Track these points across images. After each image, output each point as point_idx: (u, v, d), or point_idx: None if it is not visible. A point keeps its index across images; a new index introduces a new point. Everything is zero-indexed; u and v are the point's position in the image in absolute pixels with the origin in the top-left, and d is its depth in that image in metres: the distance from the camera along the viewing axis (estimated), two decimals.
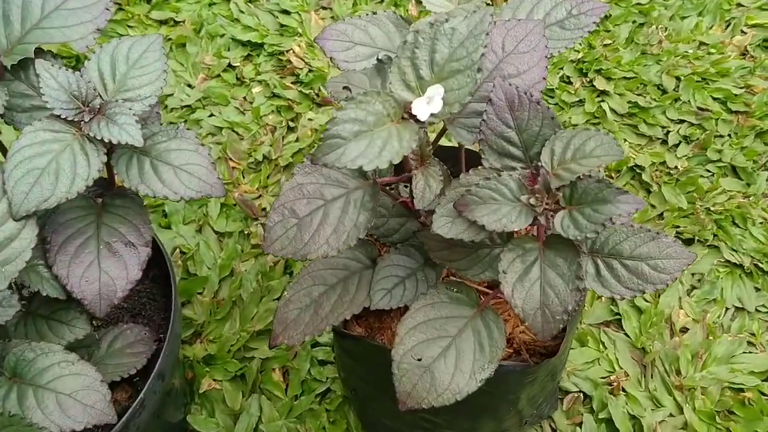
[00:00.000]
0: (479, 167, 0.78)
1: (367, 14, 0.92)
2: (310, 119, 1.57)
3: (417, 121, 0.71)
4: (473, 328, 0.87)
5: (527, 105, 0.77)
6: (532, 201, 0.74)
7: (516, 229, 0.74)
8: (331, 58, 0.90)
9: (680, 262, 0.84)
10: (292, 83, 1.63)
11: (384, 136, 0.70)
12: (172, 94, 1.61)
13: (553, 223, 0.74)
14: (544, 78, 0.80)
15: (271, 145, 1.54)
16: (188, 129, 0.87)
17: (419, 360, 0.86)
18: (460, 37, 0.71)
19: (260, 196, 1.47)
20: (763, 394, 1.19)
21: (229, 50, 1.69)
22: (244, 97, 1.62)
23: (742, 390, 1.19)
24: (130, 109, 0.82)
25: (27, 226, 0.79)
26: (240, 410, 1.20)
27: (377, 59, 0.81)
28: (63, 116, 0.81)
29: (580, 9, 0.88)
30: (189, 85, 1.64)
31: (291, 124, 1.57)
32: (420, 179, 0.80)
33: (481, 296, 0.89)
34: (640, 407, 1.19)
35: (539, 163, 0.76)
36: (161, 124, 0.88)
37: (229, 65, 1.66)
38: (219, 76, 1.65)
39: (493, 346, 0.86)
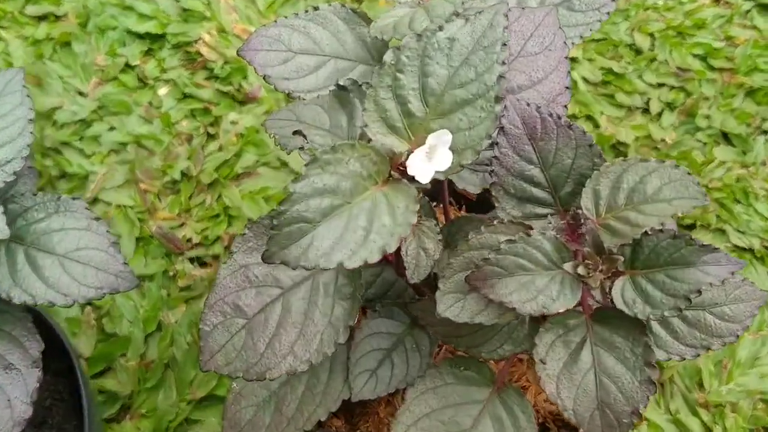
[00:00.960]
0: (494, 220, 0.56)
1: (306, 11, 0.68)
2: (233, 122, 1.31)
3: (411, 179, 0.49)
4: (492, 415, 0.66)
5: (554, 131, 0.55)
6: (581, 270, 0.52)
7: (560, 310, 0.53)
8: (264, 77, 0.65)
9: (751, 305, 0.64)
10: (205, 80, 1.36)
11: (368, 210, 0.47)
12: (60, 107, 1.32)
13: (612, 298, 0.53)
14: (567, 87, 0.57)
15: (189, 158, 1.28)
16: (75, 198, 0.62)
17: None
18: (463, 50, 0.48)
19: (183, 224, 1.21)
20: None
21: (124, 46, 1.40)
22: (150, 102, 1.34)
23: None
24: None
25: None
26: None
27: (337, 84, 0.57)
28: None
29: None
30: (80, 93, 1.35)
31: (210, 129, 1.31)
32: (411, 241, 0.57)
33: (494, 369, 0.68)
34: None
35: (578, 210, 0.54)
36: (35, 194, 0.62)
37: (127, 64, 1.38)
38: (116, 78, 1.37)
39: None
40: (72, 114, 1.32)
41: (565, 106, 0.58)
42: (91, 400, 0.80)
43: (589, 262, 0.52)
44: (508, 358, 0.64)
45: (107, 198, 1.24)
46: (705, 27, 1.40)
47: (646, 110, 1.32)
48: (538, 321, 0.59)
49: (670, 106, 1.32)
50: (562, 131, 0.55)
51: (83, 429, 0.76)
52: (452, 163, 0.47)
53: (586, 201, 0.54)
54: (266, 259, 0.45)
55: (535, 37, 0.58)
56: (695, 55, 1.37)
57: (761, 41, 1.38)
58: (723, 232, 1.19)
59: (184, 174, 1.26)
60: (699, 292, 0.50)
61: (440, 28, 0.48)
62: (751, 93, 1.33)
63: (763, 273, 1.16)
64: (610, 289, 0.52)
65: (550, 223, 0.54)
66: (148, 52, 1.40)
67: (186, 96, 1.35)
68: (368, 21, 0.68)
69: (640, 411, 0.54)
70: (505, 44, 0.47)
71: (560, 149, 0.55)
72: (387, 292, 0.76)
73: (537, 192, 0.57)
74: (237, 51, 0.66)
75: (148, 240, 1.20)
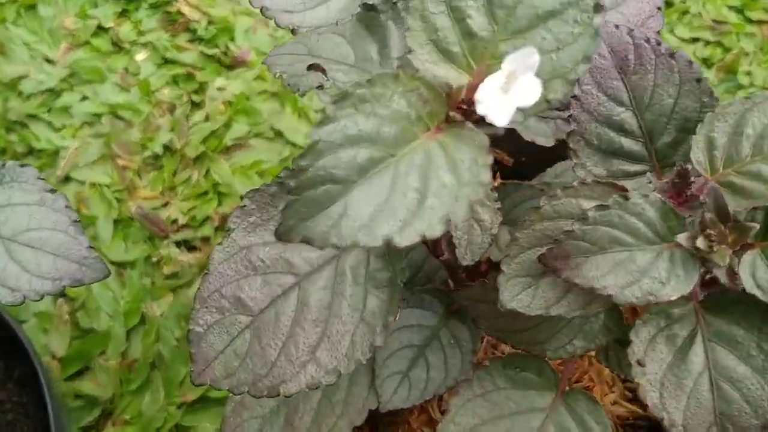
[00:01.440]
0: (575, 182, 0.43)
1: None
2: (220, 88, 1.17)
3: (478, 122, 0.35)
4: (558, 426, 0.53)
5: (651, 61, 0.42)
6: (701, 243, 0.39)
7: (673, 297, 0.40)
8: (261, 10, 0.52)
9: None
10: (188, 42, 1.22)
11: (420, 165, 0.34)
12: (26, 76, 1.18)
13: (739, 278, 0.40)
14: (659, 8, 0.44)
15: (172, 130, 1.14)
16: (23, 165, 0.48)
17: None
18: None
19: (167, 203, 1.08)
20: None
21: (96, 7, 1.25)
22: (126, 69, 1.20)
23: None
24: None
25: None
26: None
27: (364, 4, 0.43)
28: None
29: None
30: (48, 60, 1.20)
31: (195, 97, 1.17)
32: None
33: (558, 370, 0.55)
34: None
35: (686, 165, 0.41)
36: None
37: (100, 27, 1.23)
38: (88, 43, 1.22)
39: None
40: (39, 83, 1.17)
41: (658, 32, 0.44)
42: (60, 412, 0.67)
43: (712, 232, 0.39)
44: (580, 356, 0.51)
45: (80, 176, 1.10)
46: None
47: None
48: (624, 310, 0.46)
49: (707, 62, 1.19)
50: (663, 61, 0.42)
51: None
52: (539, 86, 0.34)
53: (697, 152, 0.41)
54: (282, 235, 0.32)
55: None
56: (731, 7, 1.24)
57: None
58: None
59: (166, 147, 1.13)
60: None
61: None
62: None
63: None
64: (737, 266, 0.39)
65: (650, 182, 0.41)
66: (123, 13, 1.26)
67: (167, 61, 1.20)
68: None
69: None
70: None
71: (659, 86, 0.42)
72: (415, 275, 0.63)
73: (627, 143, 0.43)
74: (264, 61, 0.52)
75: (127, 222, 1.07)
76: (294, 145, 1.13)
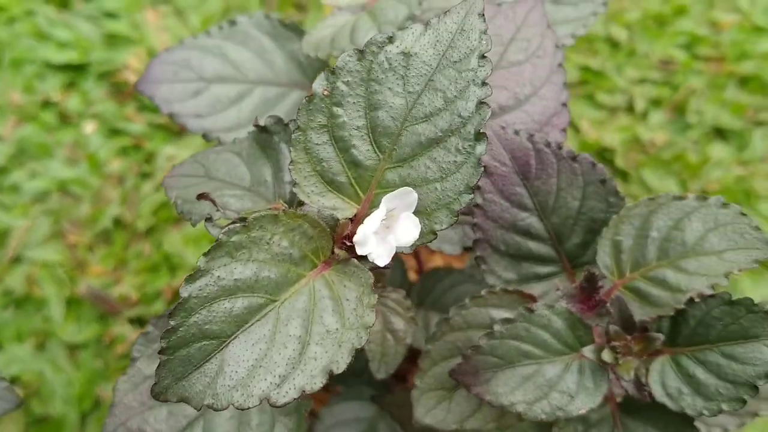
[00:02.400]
0: (483, 290, 0.42)
1: (220, 27, 0.53)
2: (169, 157, 1.16)
3: (363, 258, 0.34)
4: None
5: (553, 165, 0.41)
6: (606, 356, 0.38)
7: (583, 411, 0.39)
8: (170, 116, 0.51)
9: None
10: (136, 111, 1.21)
11: (303, 309, 0.33)
12: None
13: (647, 387, 0.39)
14: (564, 104, 0.44)
15: (122, 203, 1.12)
16: None
17: None
18: (425, 68, 0.34)
19: (119, 279, 1.06)
20: None
21: (43, 80, 1.24)
22: (75, 142, 1.18)
23: None
24: None
25: None
26: None
27: (256, 125, 0.42)
28: None
29: None
30: None
31: (145, 168, 1.15)
32: (374, 322, 0.43)
33: None
34: None
35: (592, 269, 0.40)
36: None
37: (47, 101, 1.22)
38: (35, 118, 1.21)
39: None
40: None
41: (564, 129, 0.44)
42: None
43: (617, 343, 0.38)
44: None
45: (31, 255, 1.08)
46: (685, 13, 1.28)
47: (630, 110, 1.20)
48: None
49: (656, 103, 1.20)
50: (565, 165, 0.41)
51: None
52: (421, 230, 0.33)
53: (602, 256, 0.40)
54: (157, 396, 0.31)
55: (518, 41, 0.44)
56: (678, 45, 1.25)
57: (747, 24, 1.26)
58: None
59: (117, 221, 1.11)
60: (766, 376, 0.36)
61: (390, 39, 0.34)
62: (743, 82, 1.20)
63: None
64: (646, 375, 0.38)
65: (558, 289, 0.40)
66: (71, 85, 1.24)
67: (115, 131, 1.19)
68: (302, 35, 0.54)
69: None
70: (484, 56, 0.33)
71: (563, 189, 0.41)
72: (351, 366, 0.61)
73: (535, 246, 0.42)
74: (134, 85, 0.52)
75: (79, 301, 1.05)
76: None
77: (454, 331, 0.42)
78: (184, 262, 1.07)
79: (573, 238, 0.42)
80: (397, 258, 0.58)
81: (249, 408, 0.30)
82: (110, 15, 1.30)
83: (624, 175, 1.13)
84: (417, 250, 0.63)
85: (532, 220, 0.42)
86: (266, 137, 0.41)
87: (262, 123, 0.40)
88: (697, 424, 0.52)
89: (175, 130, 1.19)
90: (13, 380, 0.99)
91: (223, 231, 0.32)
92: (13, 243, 1.09)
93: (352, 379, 0.60)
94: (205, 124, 0.51)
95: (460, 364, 0.39)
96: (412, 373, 0.55)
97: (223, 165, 0.42)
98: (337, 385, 0.61)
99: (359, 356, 0.64)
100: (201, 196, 0.37)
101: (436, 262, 0.77)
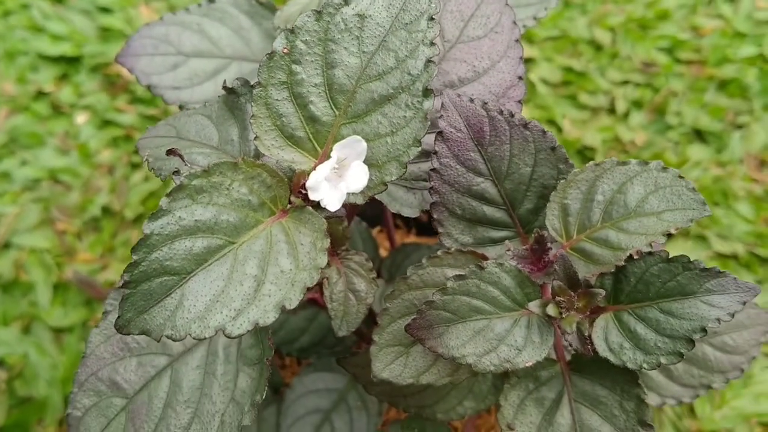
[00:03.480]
0: (439, 252, 0.44)
1: (199, 4, 0.55)
2: None
3: (318, 207, 0.36)
4: None
5: (506, 132, 0.43)
6: (551, 310, 0.40)
7: (529, 363, 0.41)
8: (149, 87, 0.53)
9: (756, 331, 0.53)
10: (127, 103, 1.23)
11: (260, 251, 0.35)
12: None
13: (590, 342, 0.41)
14: (519, 77, 0.46)
15: (111, 192, 1.14)
16: None
17: None
18: (378, 30, 0.36)
19: (106, 266, 1.07)
20: None
21: (36, 71, 1.26)
22: (66, 132, 1.20)
23: None
24: None
25: None
26: None
27: (225, 87, 0.44)
28: None
29: None
30: None
31: (134, 158, 1.17)
32: (337, 282, 0.45)
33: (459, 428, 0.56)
34: None
35: (543, 231, 0.42)
36: None
37: (39, 92, 1.24)
38: (27, 108, 1.23)
39: None
40: None
41: (519, 101, 0.46)
42: None
43: (562, 299, 0.40)
44: (471, 416, 0.52)
45: (20, 241, 1.10)
46: (668, 18, 1.30)
47: (611, 110, 1.22)
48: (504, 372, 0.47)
49: (637, 104, 1.22)
50: (517, 132, 0.43)
51: None
52: (372, 180, 0.35)
53: (552, 219, 0.42)
54: (120, 329, 0.33)
55: (477, 18, 0.47)
56: (660, 48, 1.27)
57: (728, 30, 1.29)
58: (704, 238, 1.09)
59: (105, 209, 1.13)
60: (704, 330, 0.38)
61: (346, 2, 0.36)
62: (722, 86, 1.23)
63: (750, 281, 1.05)
64: (590, 331, 0.40)
65: (509, 250, 0.42)
66: (63, 77, 1.27)
67: (106, 122, 1.22)
68: (271, 7, 0.56)
69: None
70: (432, 18, 0.35)
71: (516, 155, 0.43)
72: (324, 339, 0.63)
73: (490, 211, 0.45)
74: (115, 57, 0.54)
75: (66, 287, 1.06)
76: None
77: (411, 290, 0.44)
78: None
79: (526, 203, 0.44)
80: (371, 239, 0.60)
81: (205, 338, 0.32)
82: (104, 9, 1.33)
83: None
84: (389, 230, 0.65)
85: (486, 185, 0.44)
86: (234, 99, 0.43)
87: (230, 86, 0.43)
88: (652, 395, 0.54)
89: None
90: None
91: (185, 175, 0.34)
92: (2, 229, 1.11)
93: (324, 351, 0.62)
94: (182, 95, 0.53)
95: (415, 319, 0.41)
96: None
97: (194, 126, 0.44)
98: (308, 358, 0.63)
99: (330, 329, 0.66)
100: (170, 152, 0.39)
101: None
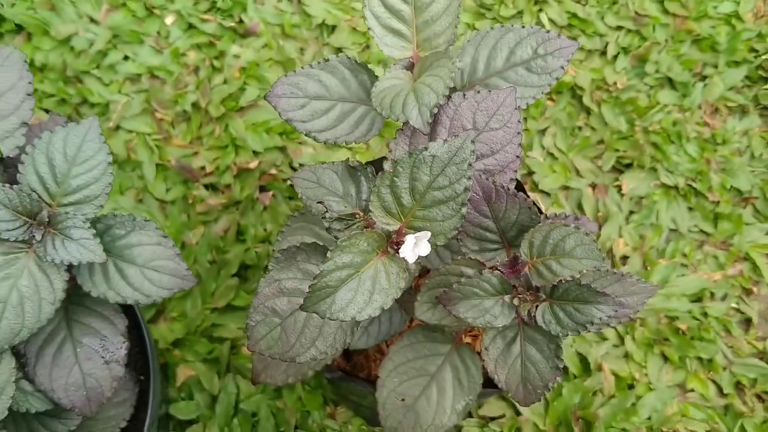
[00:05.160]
0: (459, 258, 0.78)
1: (318, 62, 0.85)
2: (235, 56, 1.46)
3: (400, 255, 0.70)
4: (451, 364, 0.92)
5: (504, 197, 0.76)
6: (515, 301, 0.76)
7: (500, 326, 0.77)
8: (287, 120, 0.84)
9: (642, 297, 0.89)
10: (208, 12, 1.49)
11: (371, 276, 0.69)
12: (76, 33, 1.45)
13: (534, 317, 0.77)
14: (517, 156, 0.78)
15: (197, 90, 1.44)
16: (147, 220, 0.82)
17: (403, 400, 0.91)
18: (440, 163, 0.68)
19: (196, 153, 1.40)
20: (695, 318, 1.31)
21: None
22: (158, 32, 1.47)
23: (676, 318, 1.31)
24: (83, 216, 0.77)
25: (3, 361, 0.77)
26: (218, 391, 1.25)
27: (348, 164, 0.76)
28: (11, 238, 0.75)
29: (547, 48, 0.84)
30: (92, 20, 1.47)
31: (215, 63, 1.46)
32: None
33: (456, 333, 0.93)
34: (586, 343, 1.30)
35: (518, 253, 0.77)
36: (114, 215, 0.82)
37: None
38: (124, 5, 1.49)
39: (471, 381, 0.92)
40: (88, 42, 1.45)
41: (515, 171, 0.78)
42: (151, 338, 1.04)
43: (521, 296, 0.75)
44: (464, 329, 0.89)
45: (128, 126, 1.41)
46: None
47: (603, 53, 1.49)
48: None
49: (626, 50, 1.49)
50: (510, 198, 0.76)
51: (147, 357, 1.01)
52: (430, 246, 0.69)
53: (524, 247, 0.76)
54: (305, 309, 0.68)
55: (497, 115, 0.77)
56: (653, 0, 1.52)
57: None
58: (654, 170, 1.42)
59: (194, 105, 1.43)
60: (592, 323, 0.73)
61: (426, 149, 0.67)
62: (697, 40, 1.49)
63: (684, 208, 1.40)
64: (534, 312, 0.76)
65: (497, 260, 0.76)
66: None
67: (191, 27, 1.48)
68: (368, 70, 0.85)
69: (550, 386, 0.79)
70: (471, 164, 0.67)
71: (508, 209, 0.76)
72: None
73: (490, 236, 0.78)
74: (264, 96, 0.84)
75: (166, 167, 1.39)
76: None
77: (440, 276, 0.78)
78: (246, 145, 1.41)
79: (511, 232, 0.78)
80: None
81: (343, 320, 0.67)
82: None
83: (588, 111, 1.45)
84: None
85: (489, 223, 0.77)
86: (352, 170, 0.75)
87: (351, 164, 0.74)
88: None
89: (240, 32, 1.48)
90: None
91: (339, 240, 0.67)
92: (113, 115, 1.42)
93: None
94: (307, 126, 0.84)
95: (443, 292, 0.76)
96: None
97: (327, 178, 0.76)
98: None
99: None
100: (320, 202, 0.72)
101: None
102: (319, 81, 0.84)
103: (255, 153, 1.39)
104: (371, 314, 0.68)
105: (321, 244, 0.80)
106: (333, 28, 1.49)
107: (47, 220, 0.77)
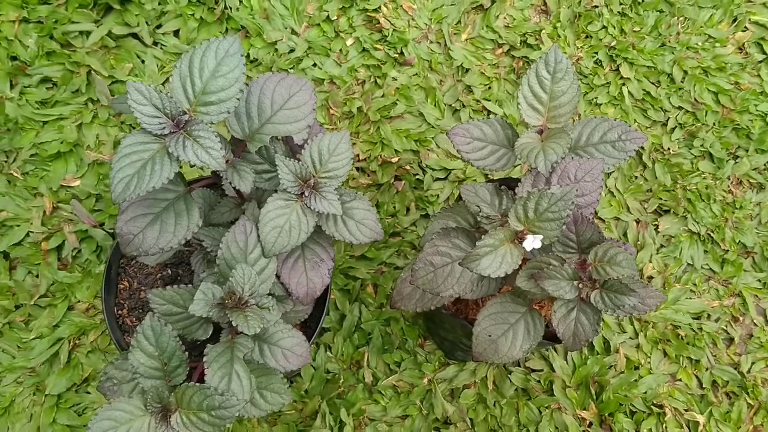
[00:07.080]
0: (549, 254, 1.30)
1: (481, 118, 1.36)
2: (393, 78, 1.97)
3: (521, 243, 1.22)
4: (524, 320, 1.45)
5: (586, 223, 1.27)
6: (580, 285, 1.27)
7: (569, 298, 1.29)
8: (458, 151, 1.36)
9: (656, 301, 1.39)
10: (378, 42, 2.00)
11: (502, 254, 1.21)
12: (281, 40, 1.98)
13: (589, 297, 1.28)
14: (597, 200, 1.29)
15: (361, 98, 1.96)
16: (363, 194, 1.35)
17: (489, 336, 1.44)
18: (555, 198, 1.20)
19: (354, 143, 1.92)
20: (693, 330, 1.81)
21: (328, 2, 2.02)
22: (340, 50, 2.00)
23: (679, 327, 1.81)
24: (332, 186, 1.30)
25: (272, 261, 1.30)
26: (347, 312, 1.78)
27: (496, 187, 1.28)
28: (291, 191, 1.29)
29: (627, 136, 1.34)
30: (294, 32, 2.00)
31: (378, 80, 1.98)
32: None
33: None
34: (611, 332, 1.81)
35: (586, 257, 1.28)
36: (344, 190, 1.35)
37: (328, 17, 2.01)
38: (318, 25, 2.01)
39: (536, 332, 1.44)
40: (288, 48, 1.98)
41: (594, 206, 1.29)
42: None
43: (584, 283, 1.26)
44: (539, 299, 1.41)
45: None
46: (724, 70, 2.01)
47: (664, 124, 1.98)
48: None
49: (681, 126, 1.97)
50: (589, 224, 1.27)
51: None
52: (541, 243, 1.20)
53: (591, 255, 1.27)
54: (462, 265, 1.20)
55: (590, 174, 1.28)
56: (710, 91, 2.00)
57: (758, 89, 2.00)
58: (685, 218, 1.91)
59: (358, 109, 1.95)
60: (623, 306, 1.24)
61: (548, 188, 1.19)
62: (736, 128, 1.97)
63: (701, 250, 1.89)
64: (590, 294, 1.27)
65: (572, 259, 1.28)
66: (342, 9, 2.03)
67: (365, 50, 2.00)
68: (512, 127, 1.37)
69: (589, 340, 1.31)
70: (574, 202, 1.18)
71: (586, 230, 1.27)
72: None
73: (571, 244, 1.29)
74: (446, 133, 1.36)
75: None
76: (429, 123, 1.95)
77: (536, 262, 1.30)
78: (390, 144, 1.92)
79: (584, 244, 1.29)
80: None
81: (481, 275, 1.20)
82: None
83: (645, 165, 1.94)
84: None
85: (572, 236, 1.28)
86: (498, 189, 1.26)
87: (498, 186, 1.26)
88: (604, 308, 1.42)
89: (400, 61, 1.99)
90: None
91: (488, 232, 1.20)
92: None
93: None
94: (469, 156, 1.36)
95: (536, 272, 1.28)
96: None
97: (482, 192, 1.28)
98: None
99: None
100: (477, 206, 1.23)
101: None
102: (480, 129, 1.36)
103: (396, 151, 1.91)
104: (499, 275, 1.20)
105: (465, 227, 1.33)
106: (467, 70, 2.00)
107: (313, 184, 1.30)
